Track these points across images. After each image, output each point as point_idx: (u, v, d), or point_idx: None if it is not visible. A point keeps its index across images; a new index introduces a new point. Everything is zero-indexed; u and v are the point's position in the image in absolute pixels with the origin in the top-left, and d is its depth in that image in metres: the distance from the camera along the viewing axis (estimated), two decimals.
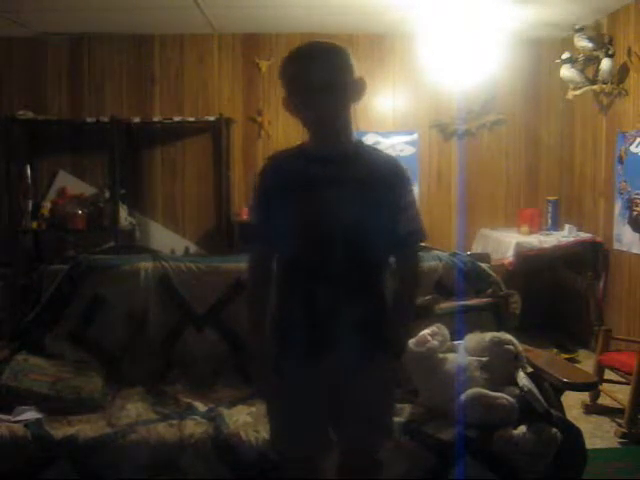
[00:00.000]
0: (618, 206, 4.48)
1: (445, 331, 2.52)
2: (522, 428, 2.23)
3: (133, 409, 2.45)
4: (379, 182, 1.75)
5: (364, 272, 1.77)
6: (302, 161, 1.78)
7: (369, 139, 5.14)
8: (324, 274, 1.75)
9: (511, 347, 2.44)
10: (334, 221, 1.72)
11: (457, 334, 2.57)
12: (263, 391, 1.96)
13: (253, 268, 1.90)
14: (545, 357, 2.67)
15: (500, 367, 2.41)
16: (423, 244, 3.16)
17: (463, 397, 2.29)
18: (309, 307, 1.76)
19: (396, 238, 1.79)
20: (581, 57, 4.65)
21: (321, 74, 1.70)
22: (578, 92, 4.73)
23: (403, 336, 1.92)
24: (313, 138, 1.78)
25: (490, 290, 2.87)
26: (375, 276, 1.81)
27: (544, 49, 5.26)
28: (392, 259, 1.86)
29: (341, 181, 1.73)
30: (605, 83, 4.47)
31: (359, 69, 1.78)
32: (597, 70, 4.52)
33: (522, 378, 2.39)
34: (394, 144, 5.25)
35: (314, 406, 1.83)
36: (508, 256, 4.58)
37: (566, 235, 4.80)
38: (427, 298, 2.76)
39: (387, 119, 5.27)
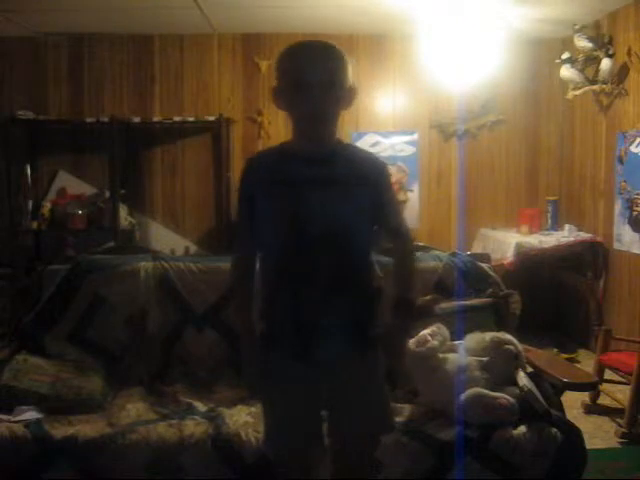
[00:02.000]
0: (618, 206, 4.48)
1: (445, 331, 2.52)
2: (522, 428, 2.24)
3: (133, 409, 2.45)
4: (360, 180, 1.76)
5: (348, 270, 1.78)
6: (283, 160, 1.78)
7: (369, 139, 5.15)
8: (308, 273, 1.75)
9: (511, 347, 2.44)
10: (316, 220, 1.73)
11: (457, 334, 2.57)
12: (254, 390, 1.97)
13: (235, 268, 1.92)
14: (545, 357, 2.68)
15: (500, 367, 2.41)
16: (422, 244, 3.19)
17: (463, 397, 2.29)
18: (295, 306, 1.76)
19: (389, 232, 1.86)
20: (581, 57, 4.65)
21: (320, 73, 1.70)
22: (578, 92, 4.73)
23: (403, 321, 1.89)
24: (297, 136, 1.79)
25: (490, 290, 2.87)
26: (360, 274, 1.82)
27: (544, 49, 5.25)
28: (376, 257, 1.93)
29: (322, 180, 1.73)
30: (605, 83, 4.47)
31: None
32: (597, 70, 4.52)
33: (522, 378, 2.39)
34: (394, 144, 5.26)
35: (306, 405, 1.83)
36: (508, 256, 4.58)
37: (566, 235, 4.81)
38: (427, 298, 2.77)
39: (387, 119, 5.27)
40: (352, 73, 1.76)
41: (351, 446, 1.88)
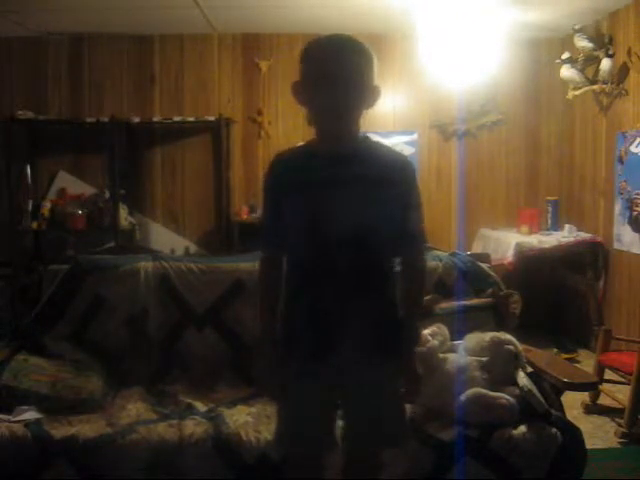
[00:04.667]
0: (618, 206, 4.48)
1: (445, 331, 2.52)
2: (522, 428, 2.23)
3: (133, 409, 2.45)
4: (387, 180, 1.72)
5: (373, 270, 1.76)
6: (309, 160, 1.76)
7: None
8: (333, 273, 1.73)
9: (511, 347, 2.44)
10: (342, 220, 1.70)
11: (457, 334, 2.57)
12: (272, 390, 1.95)
13: (262, 267, 1.90)
14: (545, 357, 2.67)
15: (500, 367, 2.41)
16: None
17: (463, 397, 2.29)
18: (319, 306, 1.75)
19: (404, 237, 1.78)
20: (581, 57, 4.65)
21: (350, 70, 1.66)
22: (578, 92, 4.73)
23: (410, 338, 1.86)
24: (320, 134, 1.76)
25: (490, 290, 2.87)
26: (384, 275, 1.79)
27: (544, 49, 5.26)
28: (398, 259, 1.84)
29: (349, 179, 1.70)
30: (605, 83, 4.47)
31: None
32: (597, 70, 4.52)
33: (522, 378, 2.39)
34: (394, 144, 5.24)
35: (322, 405, 1.83)
36: (508, 256, 4.58)
37: (566, 235, 4.81)
38: (427, 298, 2.76)
39: (387, 119, 5.27)
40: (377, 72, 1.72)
41: (366, 448, 1.87)
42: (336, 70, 1.65)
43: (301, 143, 1.85)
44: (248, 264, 2.80)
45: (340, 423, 1.89)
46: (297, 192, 1.73)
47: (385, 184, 1.72)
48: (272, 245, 1.86)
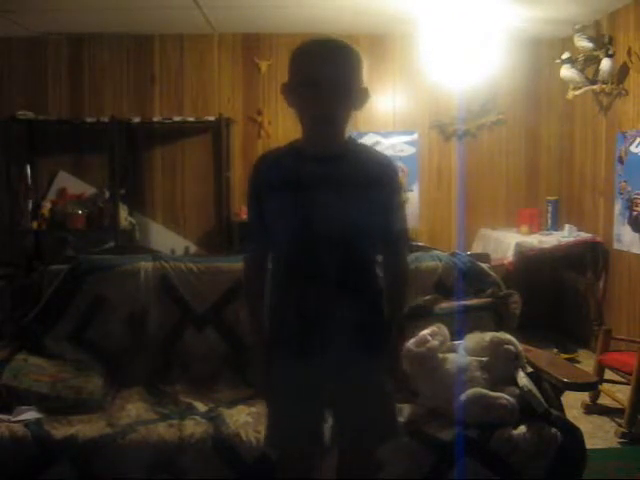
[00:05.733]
0: (618, 206, 4.48)
1: (445, 331, 2.52)
2: (522, 428, 2.23)
3: (133, 409, 2.45)
4: (370, 182, 1.73)
5: (356, 271, 1.77)
6: (293, 160, 1.77)
7: (369, 139, 5.14)
8: (316, 273, 1.74)
9: (511, 347, 2.44)
10: (325, 220, 1.71)
11: (457, 334, 2.57)
12: (261, 390, 1.96)
13: (247, 267, 1.93)
14: (545, 357, 2.67)
15: (500, 367, 2.41)
16: (422, 244, 3.20)
17: (463, 397, 2.29)
18: (303, 306, 1.76)
19: (386, 237, 1.79)
20: (581, 57, 4.65)
21: (334, 72, 1.67)
22: (578, 92, 4.73)
23: (396, 337, 1.87)
24: (306, 135, 1.77)
25: (490, 290, 2.87)
26: (367, 275, 1.81)
27: (544, 49, 5.26)
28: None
29: (332, 180, 1.71)
30: (605, 83, 4.48)
31: None
32: (597, 70, 4.52)
33: (522, 378, 2.39)
34: (394, 144, 5.26)
35: (309, 405, 1.83)
36: (508, 256, 4.58)
37: (566, 235, 4.81)
38: (427, 298, 2.76)
39: (387, 119, 5.27)
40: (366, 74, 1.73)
41: (357, 447, 1.86)
42: (321, 72, 1.67)
43: (287, 143, 1.85)
44: None
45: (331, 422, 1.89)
46: (280, 192, 1.74)
47: (368, 185, 1.73)
48: (257, 244, 1.87)
